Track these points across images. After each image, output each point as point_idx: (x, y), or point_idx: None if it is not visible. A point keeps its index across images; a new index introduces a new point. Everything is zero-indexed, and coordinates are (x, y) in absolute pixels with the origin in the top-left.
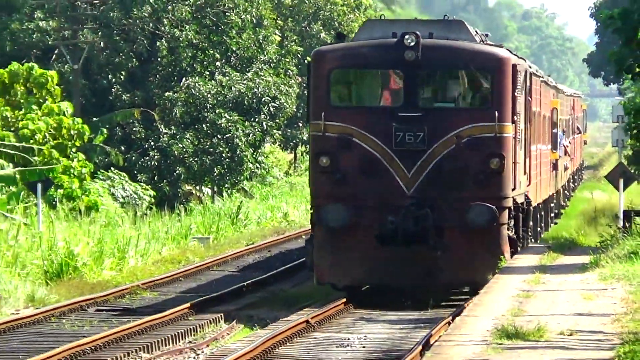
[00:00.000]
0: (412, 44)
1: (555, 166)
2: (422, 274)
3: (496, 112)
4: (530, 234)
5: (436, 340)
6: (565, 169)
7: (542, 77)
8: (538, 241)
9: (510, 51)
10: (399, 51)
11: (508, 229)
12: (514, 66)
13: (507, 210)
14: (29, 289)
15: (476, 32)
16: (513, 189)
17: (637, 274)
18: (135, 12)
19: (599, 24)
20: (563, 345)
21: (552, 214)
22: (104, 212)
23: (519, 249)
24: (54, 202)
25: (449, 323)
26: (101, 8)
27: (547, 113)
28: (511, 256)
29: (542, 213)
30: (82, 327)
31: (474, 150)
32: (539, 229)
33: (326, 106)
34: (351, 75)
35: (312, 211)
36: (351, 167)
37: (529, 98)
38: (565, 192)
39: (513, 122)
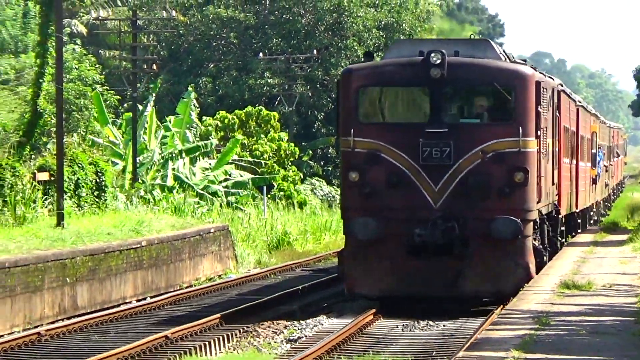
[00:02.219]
0: (438, 61)
1: (594, 181)
2: (449, 284)
3: (520, 128)
4: (560, 239)
5: (520, 290)
6: (606, 185)
7: (580, 102)
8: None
9: (534, 68)
10: (425, 69)
11: (534, 241)
12: (537, 83)
13: (531, 223)
14: (256, 256)
15: (502, 51)
16: (538, 202)
17: None
18: (332, 71)
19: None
20: (604, 293)
21: (591, 221)
22: (309, 205)
23: (545, 258)
24: (275, 199)
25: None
26: (308, 70)
27: (587, 135)
28: (537, 267)
29: (579, 220)
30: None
31: (499, 165)
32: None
33: (355, 123)
34: (379, 92)
35: (343, 224)
36: (379, 182)
37: (557, 114)
38: (607, 203)
39: (537, 137)
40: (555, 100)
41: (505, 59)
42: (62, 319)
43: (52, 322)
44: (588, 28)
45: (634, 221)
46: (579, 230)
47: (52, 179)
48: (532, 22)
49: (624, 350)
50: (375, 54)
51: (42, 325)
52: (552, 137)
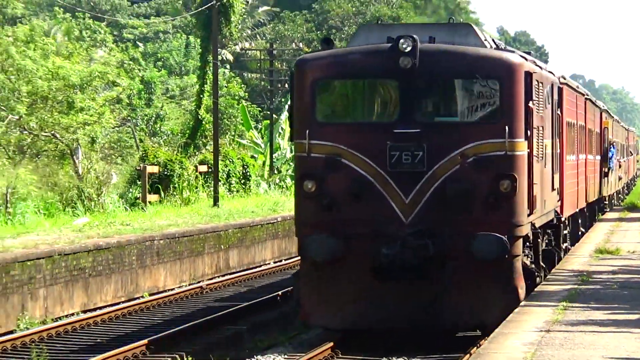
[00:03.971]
0: (408, 49)
1: (606, 174)
2: (423, 314)
3: (506, 127)
4: (564, 247)
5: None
6: (620, 178)
7: (588, 96)
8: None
9: (524, 57)
10: (394, 58)
11: (525, 259)
12: (528, 74)
13: (521, 239)
14: None
15: (487, 38)
16: (530, 214)
17: None
18: None
19: None
20: (629, 257)
21: (607, 209)
22: None
23: (538, 279)
24: None
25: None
26: None
27: (597, 129)
28: (527, 290)
29: (588, 213)
30: None
31: (481, 171)
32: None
33: (311, 122)
34: (339, 86)
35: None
36: (340, 192)
37: (559, 112)
38: (619, 195)
39: (527, 138)
40: (556, 97)
41: (491, 47)
42: (218, 276)
43: (211, 279)
44: (612, 52)
45: None
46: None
47: (210, 170)
48: (569, 47)
49: None
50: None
51: (203, 280)
52: (551, 138)
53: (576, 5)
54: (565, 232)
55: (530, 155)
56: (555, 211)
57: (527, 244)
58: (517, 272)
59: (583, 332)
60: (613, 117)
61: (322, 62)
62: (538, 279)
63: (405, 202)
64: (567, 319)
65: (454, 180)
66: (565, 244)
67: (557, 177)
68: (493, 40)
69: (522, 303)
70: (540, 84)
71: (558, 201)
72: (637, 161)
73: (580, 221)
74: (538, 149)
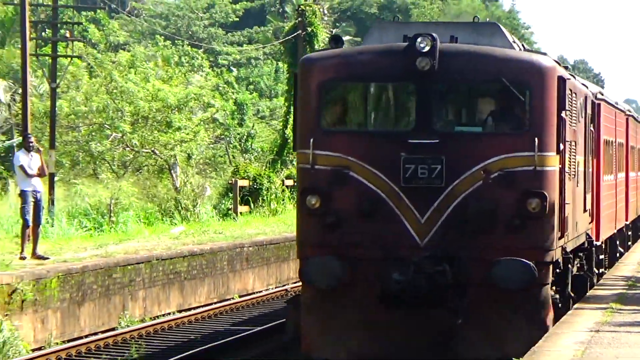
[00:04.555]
0: (427, 49)
1: None
2: (438, 346)
3: (536, 139)
4: (596, 272)
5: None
6: None
7: (630, 112)
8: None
9: (558, 63)
10: (410, 58)
11: (552, 288)
12: (561, 79)
13: (550, 266)
14: None
15: (514, 40)
16: (560, 237)
17: None
18: None
19: None
20: None
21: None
22: None
23: (565, 309)
24: None
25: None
26: None
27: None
28: (555, 322)
29: (638, 225)
30: None
31: (507, 188)
32: (629, 243)
33: (316, 130)
34: (348, 89)
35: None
36: (348, 210)
37: (592, 128)
38: None
39: (560, 152)
40: (589, 112)
41: (520, 49)
42: None
43: (295, 282)
44: None
45: None
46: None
47: (295, 184)
48: (624, 73)
49: None
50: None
51: (288, 284)
52: (584, 155)
53: (632, 33)
54: (601, 256)
55: (562, 171)
56: (587, 234)
57: (557, 270)
58: (546, 302)
59: (629, 332)
60: None
61: (330, 62)
62: (564, 309)
63: (420, 222)
64: (615, 320)
65: (476, 198)
66: (601, 269)
67: (589, 197)
68: (522, 44)
69: (576, 306)
70: (574, 95)
71: (590, 223)
72: None
73: (618, 242)
74: (570, 165)
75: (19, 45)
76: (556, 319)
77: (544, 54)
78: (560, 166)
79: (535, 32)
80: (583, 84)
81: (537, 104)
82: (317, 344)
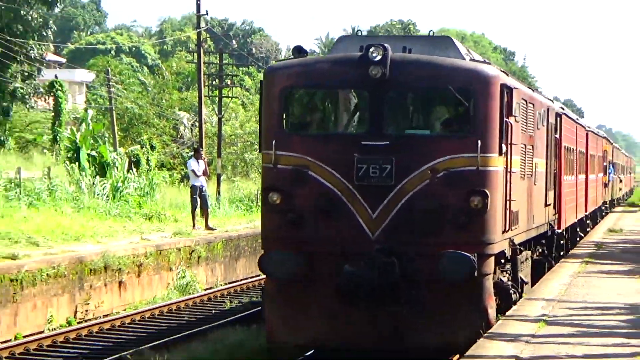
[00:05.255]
0: (378, 58)
1: (606, 185)
2: (389, 334)
3: (479, 142)
4: (562, 252)
5: (583, 235)
6: (620, 189)
7: (589, 128)
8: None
9: (506, 73)
10: (363, 67)
11: (501, 277)
12: (505, 87)
13: (492, 258)
14: None
15: (468, 52)
16: (506, 230)
17: None
18: None
19: None
20: (628, 234)
21: (604, 212)
22: None
23: (514, 296)
24: None
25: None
26: None
27: (599, 153)
28: (504, 308)
29: (594, 215)
30: None
31: (452, 187)
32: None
33: (278, 133)
34: (307, 96)
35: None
36: (306, 206)
37: (556, 135)
38: (620, 200)
39: (503, 153)
40: (552, 121)
41: (470, 60)
42: None
43: None
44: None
45: None
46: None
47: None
48: (598, 104)
49: (639, 257)
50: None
51: None
52: (546, 158)
53: (610, 71)
54: (562, 242)
55: (507, 171)
56: (550, 224)
57: (502, 261)
58: (487, 291)
59: (594, 276)
60: (613, 144)
61: (291, 70)
62: (514, 296)
63: (372, 218)
64: (588, 269)
65: (423, 195)
66: (561, 252)
67: (551, 194)
68: (471, 53)
69: (562, 260)
70: (531, 105)
71: (554, 215)
72: (634, 179)
73: (578, 228)
74: (524, 166)
75: (197, 90)
76: (504, 306)
77: (489, 63)
78: (505, 166)
79: (539, 80)
80: (548, 99)
81: (480, 109)
82: (278, 331)
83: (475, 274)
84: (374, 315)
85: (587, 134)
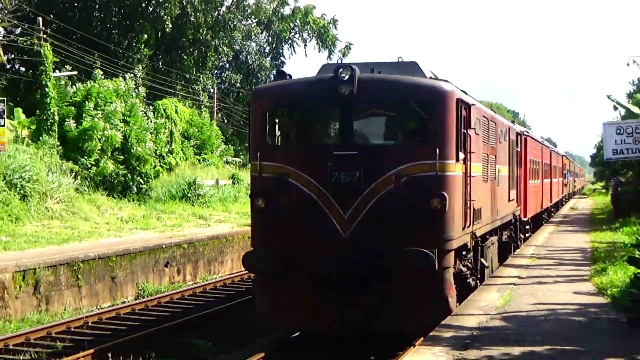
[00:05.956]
0: (347, 77)
1: (566, 185)
2: (361, 321)
3: (437, 150)
4: (524, 236)
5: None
6: (575, 187)
7: (551, 147)
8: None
9: (465, 92)
10: (334, 86)
11: (462, 267)
12: (461, 101)
13: (452, 253)
14: None
15: (433, 74)
16: (468, 226)
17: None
18: None
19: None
20: (582, 210)
21: (565, 201)
22: None
23: (474, 283)
24: None
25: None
26: None
27: (559, 165)
28: (465, 294)
29: (559, 204)
30: None
31: (414, 190)
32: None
33: (263, 145)
34: (286, 113)
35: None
36: (287, 209)
37: (518, 149)
38: (574, 194)
39: (458, 159)
40: (514, 138)
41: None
42: None
43: None
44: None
45: (589, 192)
46: (558, 206)
47: None
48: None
49: (586, 222)
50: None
51: None
52: (509, 165)
53: (577, 117)
54: (527, 227)
55: (467, 175)
56: (514, 214)
57: (463, 254)
58: (447, 282)
59: (564, 233)
60: (570, 160)
61: (272, 91)
62: (474, 283)
63: (344, 218)
64: (559, 230)
65: (389, 198)
66: (527, 234)
67: (513, 192)
68: (435, 76)
69: (544, 223)
70: (493, 123)
71: (517, 207)
72: (584, 181)
73: (545, 214)
74: (487, 171)
75: None
76: (465, 292)
77: (446, 81)
78: (464, 171)
79: (533, 125)
80: (512, 122)
81: (438, 121)
82: (266, 314)
83: (436, 267)
84: (345, 303)
85: (550, 152)
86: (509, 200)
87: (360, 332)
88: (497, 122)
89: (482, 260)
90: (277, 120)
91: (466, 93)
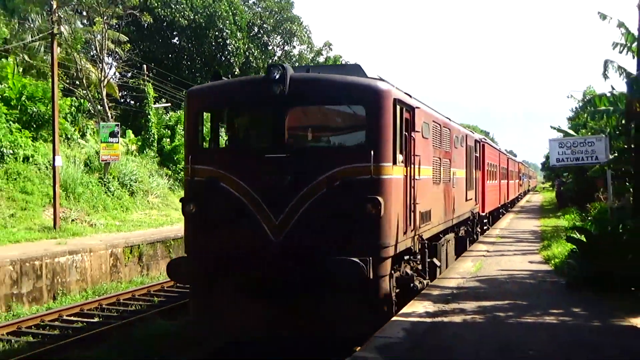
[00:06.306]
0: (278, 76)
1: (521, 185)
2: (292, 327)
3: (372, 152)
4: (486, 227)
5: (511, 208)
6: (529, 185)
7: (508, 154)
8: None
9: (410, 96)
10: (267, 86)
11: (407, 272)
12: (399, 102)
13: (389, 260)
14: None
15: (377, 77)
16: (412, 230)
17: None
18: None
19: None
20: (534, 202)
21: (519, 200)
22: None
23: (420, 284)
24: None
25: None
26: None
27: (515, 169)
28: (408, 295)
29: (514, 202)
30: None
31: (348, 195)
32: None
33: (195, 148)
34: (219, 115)
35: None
36: (218, 214)
37: (476, 154)
38: (529, 191)
39: (396, 162)
40: (471, 144)
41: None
42: None
43: None
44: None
45: (540, 190)
46: (516, 201)
47: None
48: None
49: (537, 211)
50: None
51: None
52: (466, 168)
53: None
54: (485, 220)
55: (410, 178)
56: (472, 212)
57: (406, 258)
58: (382, 290)
59: (521, 219)
60: (525, 165)
61: (205, 92)
62: (420, 285)
63: (275, 224)
64: (517, 217)
65: (322, 203)
66: (485, 227)
67: (471, 192)
68: (380, 78)
69: (507, 213)
70: (446, 129)
71: (476, 205)
72: (536, 182)
73: (502, 209)
74: (439, 174)
75: None
76: (406, 295)
77: (384, 80)
78: (407, 174)
79: (500, 140)
80: (470, 130)
81: (373, 122)
82: (200, 321)
83: (370, 276)
84: (275, 311)
85: (508, 159)
86: (467, 200)
87: (293, 337)
88: (452, 129)
89: (434, 260)
90: (209, 122)
91: (410, 96)
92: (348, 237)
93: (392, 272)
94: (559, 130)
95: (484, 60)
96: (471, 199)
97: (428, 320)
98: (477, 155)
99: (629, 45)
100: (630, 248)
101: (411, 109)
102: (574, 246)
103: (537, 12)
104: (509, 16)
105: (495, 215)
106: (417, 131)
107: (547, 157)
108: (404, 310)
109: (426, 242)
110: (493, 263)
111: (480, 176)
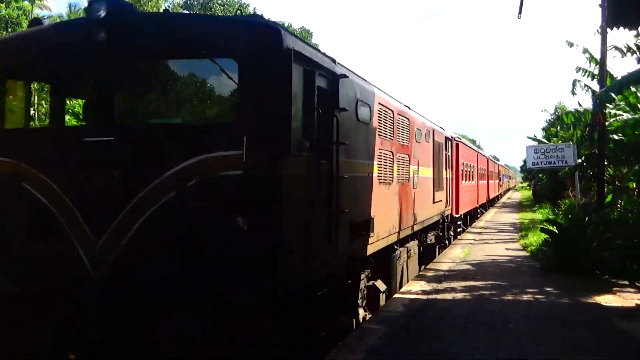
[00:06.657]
0: (103, 15)
1: (501, 185)
2: None
3: (245, 134)
4: (460, 229)
5: (491, 206)
6: (510, 185)
7: (489, 156)
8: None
9: (331, 58)
10: (87, 32)
11: (326, 309)
12: (302, 56)
13: (283, 305)
14: None
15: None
16: (329, 251)
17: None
18: None
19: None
20: (513, 199)
21: (501, 197)
22: None
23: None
24: None
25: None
26: None
27: (495, 170)
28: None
29: (496, 199)
30: None
31: (208, 201)
32: (496, 201)
33: None
34: (26, 78)
35: None
36: (15, 230)
37: (447, 153)
38: (509, 190)
39: (302, 149)
40: (441, 141)
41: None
42: None
43: None
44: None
45: (519, 188)
46: (498, 198)
47: None
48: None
49: (517, 207)
50: None
51: None
52: (433, 167)
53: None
54: (460, 222)
55: (327, 175)
56: (441, 215)
57: (327, 289)
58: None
59: (503, 213)
60: (505, 167)
61: (9, 46)
62: (342, 327)
63: (96, 247)
64: (500, 211)
65: (166, 215)
66: (459, 229)
67: (440, 193)
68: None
69: (491, 207)
70: (406, 119)
71: (447, 207)
72: (515, 182)
73: (479, 210)
74: (391, 172)
75: None
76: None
77: (275, 23)
78: (319, 169)
79: (483, 143)
80: (441, 128)
81: (250, 85)
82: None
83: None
84: None
85: (488, 160)
86: (434, 202)
87: None
88: (411, 119)
89: (377, 283)
90: (12, 92)
91: (334, 61)
92: (208, 270)
93: (287, 327)
94: (534, 139)
95: (463, 81)
96: (440, 201)
97: (423, 297)
98: (449, 153)
99: (590, 71)
100: (594, 238)
101: (332, 77)
102: (547, 236)
103: (509, 39)
104: (484, 39)
105: (473, 215)
106: (344, 110)
107: (525, 161)
108: (403, 289)
109: (370, 259)
110: (479, 250)
111: (453, 176)
